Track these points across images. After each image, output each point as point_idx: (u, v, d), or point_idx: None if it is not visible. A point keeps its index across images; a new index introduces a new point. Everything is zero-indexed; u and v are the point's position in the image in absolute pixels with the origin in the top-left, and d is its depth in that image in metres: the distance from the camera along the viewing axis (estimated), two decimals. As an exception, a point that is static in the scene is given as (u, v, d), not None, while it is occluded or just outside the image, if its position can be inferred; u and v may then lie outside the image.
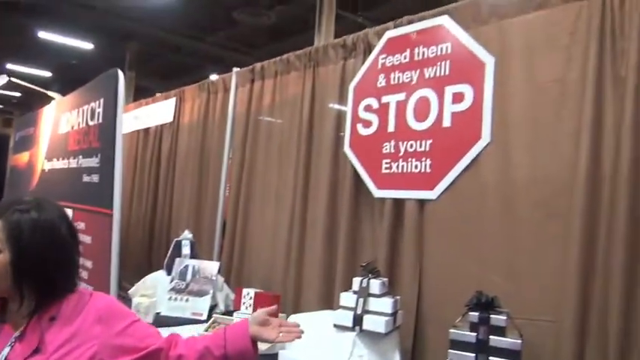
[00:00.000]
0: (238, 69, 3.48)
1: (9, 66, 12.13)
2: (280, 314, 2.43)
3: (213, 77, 4.24)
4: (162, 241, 3.94)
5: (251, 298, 2.47)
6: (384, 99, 2.53)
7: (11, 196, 1.35)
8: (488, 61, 2.12)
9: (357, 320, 1.95)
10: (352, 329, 1.95)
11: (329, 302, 2.51)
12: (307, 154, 2.85)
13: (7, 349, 1.31)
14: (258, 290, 2.50)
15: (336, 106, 2.78)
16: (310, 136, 2.88)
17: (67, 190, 3.43)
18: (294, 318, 2.17)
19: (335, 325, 2.00)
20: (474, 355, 1.73)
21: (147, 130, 4.46)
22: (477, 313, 1.75)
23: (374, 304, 1.97)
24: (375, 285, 2.01)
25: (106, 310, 1.38)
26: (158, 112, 4.30)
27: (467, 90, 2.18)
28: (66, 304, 1.37)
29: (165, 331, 2.24)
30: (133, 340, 1.37)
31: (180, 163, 3.96)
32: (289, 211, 2.86)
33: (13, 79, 4.78)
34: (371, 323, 1.93)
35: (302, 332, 1.39)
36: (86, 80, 3.59)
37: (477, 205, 2.10)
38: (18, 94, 19.01)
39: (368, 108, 2.59)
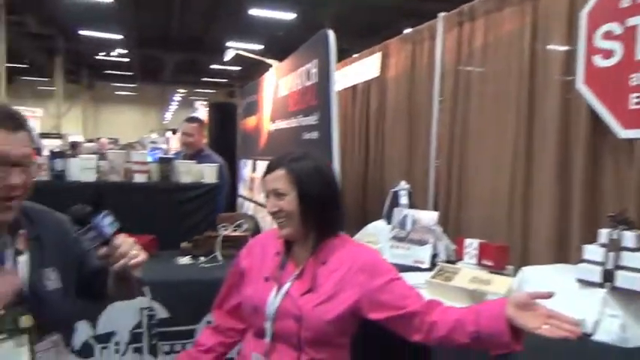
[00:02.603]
0: (444, 13, 3.32)
1: (229, 43, 13.71)
2: (508, 266, 2.32)
3: (407, 31, 4.12)
4: (375, 193, 4.08)
5: (475, 248, 2.39)
6: (630, 21, 2.13)
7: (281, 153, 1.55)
8: None
9: (608, 276, 1.73)
10: (601, 286, 1.75)
11: (561, 255, 2.30)
12: (529, 98, 2.59)
13: (288, 284, 1.50)
14: (482, 241, 2.41)
15: (564, 41, 2.45)
16: (532, 77, 2.60)
17: (291, 147, 3.75)
18: (526, 271, 2.04)
19: (579, 280, 1.81)
20: None
21: (355, 87, 4.60)
22: None
23: (628, 259, 1.72)
24: (629, 238, 1.75)
25: (370, 262, 1.48)
26: (364, 68, 4.38)
27: None
28: (335, 252, 1.51)
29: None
30: (392, 297, 1.42)
31: (389, 117, 4.00)
32: (510, 159, 2.66)
33: (240, 52, 5.38)
34: (625, 280, 1.70)
35: (580, 333, 1.18)
36: (291, 49, 3.83)
37: None
38: (238, 68, 21.54)
39: (607, 35, 2.22)
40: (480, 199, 2.88)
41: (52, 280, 1.26)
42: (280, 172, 1.50)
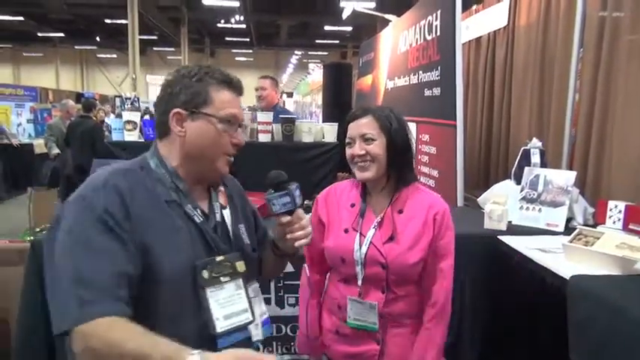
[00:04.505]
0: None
1: (342, 3, 13.53)
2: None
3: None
4: (500, 151, 3.86)
5: (620, 211, 2.16)
6: None
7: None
8: None
9: None
10: None
11: None
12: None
13: (372, 231, 1.57)
14: (630, 203, 2.17)
15: None
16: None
17: (410, 105, 3.65)
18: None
19: None
20: None
21: (478, 40, 4.32)
22: None
23: None
24: None
25: (442, 214, 1.56)
26: (490, 18, 4.08)
27: None
28: (409, 200, 1.58)
29: (518, 240, 2.20)
30: (444, 251, 1.56)
31: (517, 69, 3.70)
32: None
33: (358, 10, 5.29)
34: None
35: None
36: (404, 5, 3.65)
37: None
38: (349, 29, 21.37)
39: None
40: (625, 160, 2.57)
41: (244, 235, 1.33)
42: (369, 119, 1.55)
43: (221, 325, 1.14)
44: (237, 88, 1.24)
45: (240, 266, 1.23)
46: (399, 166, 1.56)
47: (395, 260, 1.52)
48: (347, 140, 1.60)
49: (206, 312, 1.13)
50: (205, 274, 1.15)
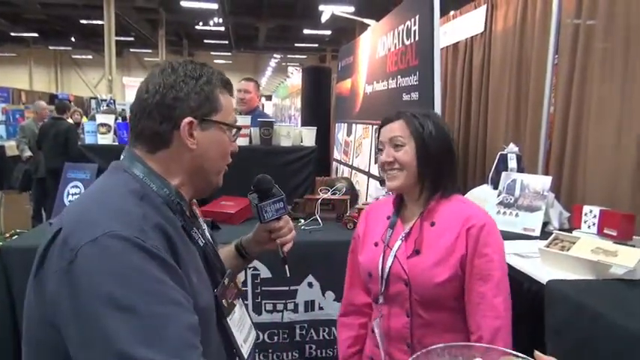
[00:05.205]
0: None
1: (321, 7, 13.56)
2: (635, 237, 2.11)
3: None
4: (477, 156, 3.89)
5: (595, 216, 2.19)
6: None
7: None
8: None
9: None
10: None
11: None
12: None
13: (398, 243, 1.46)
14: (604, 208, 2.20)
15: None
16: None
17: (389, 109, 3.65)
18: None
19: None
20: None
21: (455, 46, 4.36)
22: None
23: None
24: None
25: (479, 228, 1.39)
26: (467, 24, 4.12)
27: None
28: (445, 213, 1.45)
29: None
30: (484, 272, 1.38)
31: (494, 75, 3.74)
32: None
33: (337, 13, 5.29)
34: None
35: None
36: (382, 10, 3.66)
37: None
38: (328, 33, 21.44)
39: None
40: (600, 165, 2.61)
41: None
42: (400, 123, 1.45)
43: (245, 350, 1.10)
44: (231, 89, 1.12)
45: (239, 279, 1.18)
46: (434, 175, 1.44)
47: (418, 277, 1.39)
48: (378, 147, 1.51)
49: (233, 341, 1.07)
50: (224, 302, 1.08)
